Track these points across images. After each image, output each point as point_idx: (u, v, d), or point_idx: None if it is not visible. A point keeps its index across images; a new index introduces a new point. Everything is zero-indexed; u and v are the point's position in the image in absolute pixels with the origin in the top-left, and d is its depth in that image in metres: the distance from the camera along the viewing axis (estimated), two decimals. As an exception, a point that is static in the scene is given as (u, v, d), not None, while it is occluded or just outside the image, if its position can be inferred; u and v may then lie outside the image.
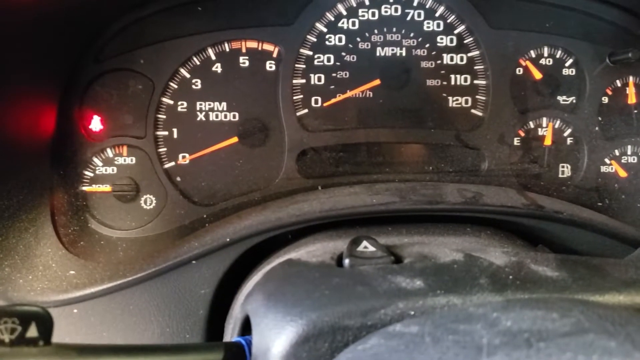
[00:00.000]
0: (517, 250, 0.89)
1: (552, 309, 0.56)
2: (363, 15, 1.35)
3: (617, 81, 1.40)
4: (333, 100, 1.35)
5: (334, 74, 1.35)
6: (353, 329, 0.64)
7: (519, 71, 1.39)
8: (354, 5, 1.34)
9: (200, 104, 1.32)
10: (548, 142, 1.40)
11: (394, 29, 1.36)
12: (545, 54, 1.39)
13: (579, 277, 0.74)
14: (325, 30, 1.34)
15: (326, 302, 0.68)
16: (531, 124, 1.40)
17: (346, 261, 0.81)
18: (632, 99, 1.40)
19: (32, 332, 0.58)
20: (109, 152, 1.30)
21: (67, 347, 0.60)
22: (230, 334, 0.87)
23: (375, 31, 1.35)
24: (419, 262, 0.80)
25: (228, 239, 1.03)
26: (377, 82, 1.35)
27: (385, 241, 0.91)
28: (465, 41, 1.37)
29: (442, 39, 1.37)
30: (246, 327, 0.80)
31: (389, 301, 0.67)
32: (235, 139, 1.33)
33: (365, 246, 0.84)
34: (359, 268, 0.78)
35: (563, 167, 1.41)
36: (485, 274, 0.74)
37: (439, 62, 1.37)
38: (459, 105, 1.38)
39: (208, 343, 0.76)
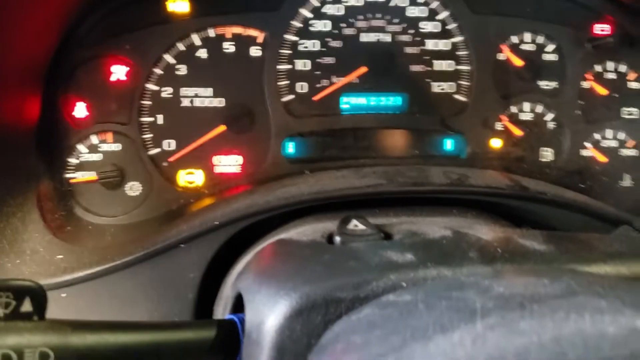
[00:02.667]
0: (504, 228, 0.91)
1: (543, 276, 0.57)
2: (347, 1, 1.35)
3: (597, 66, 1.43)
4: (322, 94, 1.35)
5: (319, 60, 1.35)
6: (346, 301, 0.65)
7: (501, 57, 1.41)
8: (339, -10, 1.35)
9: (186, 90, 1.32)
10: (518, 132, 1.41)
11: (379, 15, 1.36)
12: (527, 40, 1.41)
13: (566, 250, 0.76)
14: (310, 15, 1.34)
15: (318, 276, 0.68)
16: (513, 109, 1.41)
17: (337, 239, 0.82)
18: (611, 83, 1.43)
19: (27, 306, 0.58)
20: (94, 139, 1.29)
21: (61, 323, 0.60)
22: (221, 314, 0.87)
23: (360, 17, 1.36)
24: (408, 238, 0.81)
25: (216, 222, 1.03)
26: (363, 69, 1.35)
27: (374, 222, 0.92)
28: (448, 27, 1.38)
29: (425, 24, 1.38)
30: (237, 307, 0.80)
31: (380, 274, 0.67)
32: (221, 125, 1.33)
33: (355, 224, 0.85)
34: (350, 245, 0.79)
35: (545, 151, 1.43)
36: (474, 247, 0.75)
37: (422, 47, 1.38)
38: (443, 91, 1.40)
39: (201, 321, 0.76)
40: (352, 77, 1.36)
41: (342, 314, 0.64)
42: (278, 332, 0.64)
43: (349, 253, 0.75)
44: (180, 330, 0.70)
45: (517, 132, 1.41)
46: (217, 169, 1.34)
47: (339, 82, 1.36)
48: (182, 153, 1.32)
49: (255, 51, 1.33)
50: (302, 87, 1.35)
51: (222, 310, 0.90)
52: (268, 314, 0.65)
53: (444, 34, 1.38)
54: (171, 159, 1.32)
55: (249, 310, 0.70)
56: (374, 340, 0.50)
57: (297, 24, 1.34)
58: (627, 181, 1.44)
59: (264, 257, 0.81)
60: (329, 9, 1.35)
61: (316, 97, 1.35)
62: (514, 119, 1.41)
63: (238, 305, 0.80)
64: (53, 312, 0.99)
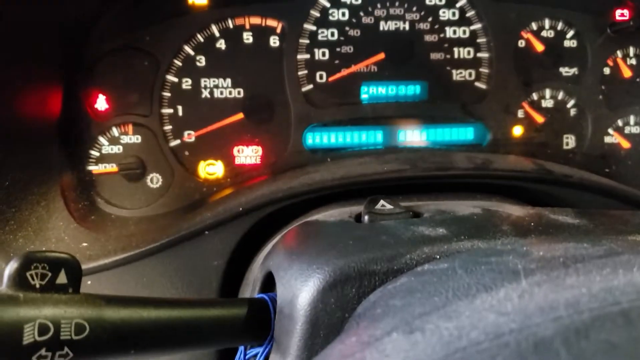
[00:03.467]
0: (533, 207, 0.90)
1: (582, 241, 0.56)
2: (365, -10, 1.35)
3: (618, 51, 1.42)
4: (338, 75, 1.35)
5: (338, 49, 1.35)
6: (379, 274, 0.64)
7: (521, 43, 1.40)
8: (357, -21, 1.34)
9: (205, 81, 1.31)
10: (540, 119, 1.40)
11: (397, 3, 1.36)
12: (547, 26, 1.40)
13: (600, 223, 0.74)
14: (328, 5, 1.33)
15: (351, 250, 0.68)
16: (535, 96, 1.40)
17: (365, 217, 0.81)
18: (633, 70, 1.41)
19: (62, 279, 0.58)
20: (115, 131, 1.29)
21: (95, 296, 0.60)
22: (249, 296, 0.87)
23: (378, 5, 1.35)
24: (438, 215, 0.80)
25: (241, 209, 1.03)
26: (381, 55, 1.35)
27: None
28: (467, 14, 1.38)
29: (444, 12, 1.37)
30: (266, 288, 0.80)
31: (414, 247, 0.67)
32: (240, 115, 1.33)
33: (383, 205, 0.85)
34: (380, 222, 0.79)
35: (567, 137, 1.41)
36: (507, 222, 0.74)
37: (442, 35, 1.38)
38: (463, 79, 1.39)
39: (232, 299, 0.75)
40: (370, 62, 1.35)
41: (376, 286, 0.64)
42: (312, 305, 0.63)
43: (380, 229, 0.74)
44: (212, 307, 0.70)
45: (539, 118, 1.40)
46: (238, 160, 1.34)
47: (356, 66, 1.35)
48: (201, 133, 1.32)
49: (274, 41, 1.33)
50: (321, 76, 1.35)
51: (248, 295, 0.89)
52: (301, 289, 0.65)
53: (463, 21, 1.38)
54: (189, 139, 1.32)
55: (280, 286, 0.70)
56: (415, 301, 0.49)
57: (315, 13, 1.33)
58: (652, 167, 1.43)
59: (293, 236, 0.81)
60: (347, -2, 1.35)
61: (331, 78, 1.35)
62: (536, 106, 1.40)
63: (266, 287, 0.80)
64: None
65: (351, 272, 0.64)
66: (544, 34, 1.40)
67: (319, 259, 0.67)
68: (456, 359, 0.37)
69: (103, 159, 1.29)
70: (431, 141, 1.38)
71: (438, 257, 0.66)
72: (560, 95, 1.41)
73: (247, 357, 0.76)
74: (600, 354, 0.34)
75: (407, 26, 1.36)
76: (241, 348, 0.77)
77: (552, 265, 0.49)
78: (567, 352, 0.34)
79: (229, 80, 1.32)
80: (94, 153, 1.29)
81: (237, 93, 1.33)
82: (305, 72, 1.34)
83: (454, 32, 1.38)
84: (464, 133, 1.39)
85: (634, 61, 1.42)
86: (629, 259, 0.47)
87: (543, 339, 0.35)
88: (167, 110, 1.31)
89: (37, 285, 0.56)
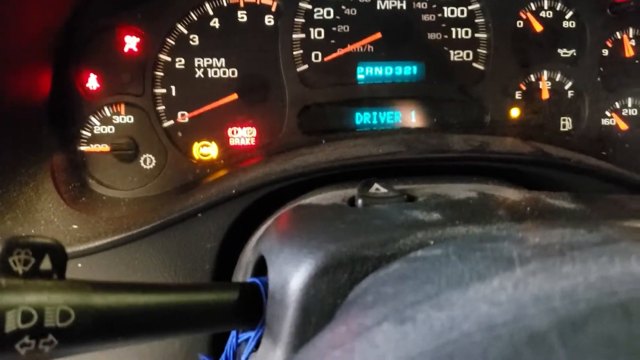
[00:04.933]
0: (530, 191, 0.89)
1: (579, 227, 0.55)
2: (362, -32, 1.32)
3: (617, 33, 1.39)
4: (333, 55, 1.32)
5: (334, 28, 1.32)
6: (372, 259, 0.63)
7: (520, 24, 1.37)
8: (354, -43, 1.31)
9: (199, 61, 1.29)
10: (545, 95, 1.39)
11: (394, -18, 1.33)
12: (546, 7, 1.38)
13: (597, 207, 0.73)
14: (324, -17, 1.31)
15: (343, 235, 0.66)
16: (532, 77, 1.39)
17: (359, 201, 0.80)
18: (631, 51, 1.40)
19: (46, 264, 0.56)
20: (107, 111, 1.27)
21: (82, 282, 0.59)
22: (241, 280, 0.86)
23: (375, -17, 1.33)
24: (433, 199, 0.79)
25: (234, 191, 1.02)
26: (378, 35, 1.33)
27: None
28: (465, -6, 1.36)
29: (442, -9, 1.35)
30: (258, 272, 0.78)
31: (407, 231, 0.66)
32: (235, 96, 1.31)
33: (377, 188, 0.83)
34: (373, 206, 0.77)
35: (564, 120, 1.40)
36: (503, 206, 0.73)
37: (439, 15, 1.35)
38: (461, 59, 1.37)
39: (223, 283, 0.74)
40: (366, 42, 1.32)
41: (368, 272, 0.63)
42: (303, 291, 0.62)
43: (374, 213, 0.73)
44: (202, 292, 0.69)
45: (545, 95, 1.38)
46: (232, 141, 1.32)
47: (352, 46, 1.33)
48: (195, 113, 1.30)
49: (269, 20, 1.30)
50: (316, 56, 1.32)
51: (241, 278, 0.88)
52: (292, 274, 0.64)
53: (461, 1, 1.35)
54: (183, 119, 1.30)
55: (272, 271, 0.69)
56: (406, 289, 0.48)
57: (311, -9, 1.31)
58: (650, 150, 1.41)
59: (286, 220, 0.79)
60: (344, -24, 1.32)
61: (327, 58, 1.32)
62: (533, 87, 1.38)
63: (259, 270, 0.79)
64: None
65: (343, 257, 0.63)
66: (542, 14, 1.37)
67: (310, 243, 0.66)
68: (447, 351, 0.36)
69: (95, 139, 1.27)
70: (428, 123, 1.36)
71: (432, 242, 0.64)
72: (558, 77, 1.39)
73: (239, 341, 0.75)
74: (597, 348, 0.32)
75: (404, 5, 1.34)
76: (233, 332, 0.76)
77: (547, 252, 0.48)
78: (562, 345, 0.33)
79: (223, 60, 1.30)
80: (86, 133, 1.27)
81: (231, 73, 1.31)
82: (301, 51, 1.32)
83: (452, 12, 1.36)
84: (463, 113, 1.37)
85: (633, 42, 1.40)
86: (626, 247, 0.46)
87: (538, 331, 0.34)
88: (160, 90, 1.29)
89: (20, 272, 0.54)
